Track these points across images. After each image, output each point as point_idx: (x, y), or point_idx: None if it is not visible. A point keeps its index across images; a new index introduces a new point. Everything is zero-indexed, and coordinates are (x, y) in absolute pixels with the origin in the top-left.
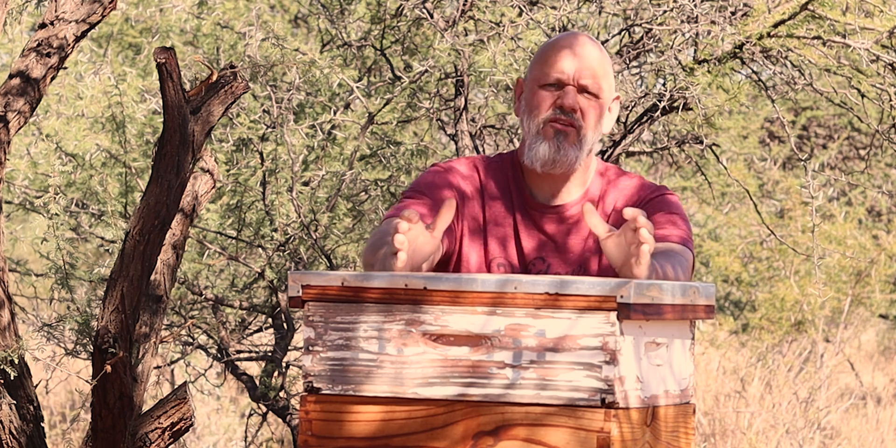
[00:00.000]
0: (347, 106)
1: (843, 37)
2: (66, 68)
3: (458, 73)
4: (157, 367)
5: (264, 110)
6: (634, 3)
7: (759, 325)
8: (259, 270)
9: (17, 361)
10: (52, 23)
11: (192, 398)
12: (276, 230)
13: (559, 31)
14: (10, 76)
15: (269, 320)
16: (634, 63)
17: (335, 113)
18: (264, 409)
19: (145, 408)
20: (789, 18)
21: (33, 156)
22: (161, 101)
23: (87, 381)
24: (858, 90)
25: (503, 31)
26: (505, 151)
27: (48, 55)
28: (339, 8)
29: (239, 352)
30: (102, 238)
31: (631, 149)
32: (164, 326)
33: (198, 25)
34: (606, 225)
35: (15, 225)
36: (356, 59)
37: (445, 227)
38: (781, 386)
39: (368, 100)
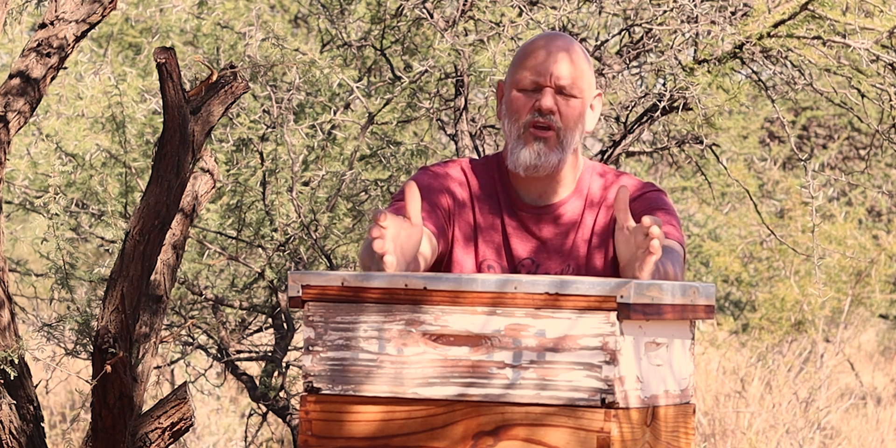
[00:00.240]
0: (347, 106)
1: (843, 37)
2: (66, 68)
3: (458, 73)
4: (157, 367)
5: (264, 110)
6: (634, 3)
7: (759, 325)
8: (259, 270)
9: (17, 361)
10: (52, 23)
11: (192, 398)
12: (276, 230)
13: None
14: (10, 76)
15: (269, 320)
16: (634, 63)
17: (335, 113)
18: (264, 409)
19: (145, 408)
20: (789, 18)
21: (33, 156)
22: (161, 101)
23: (87, 381)
24: (858, 90)
25: (503, 31)
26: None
27: (48, 55)
28: (339, 8)
29: (239, 352)
30: (102, 238)
31: (631, 149)
32: (164, 326)
33: (198, 25)
34: (629, 214)
35: (15, 225)
36: (356, 59)
37: (419, 210)
38: (781, 386)
39: (368, 100)
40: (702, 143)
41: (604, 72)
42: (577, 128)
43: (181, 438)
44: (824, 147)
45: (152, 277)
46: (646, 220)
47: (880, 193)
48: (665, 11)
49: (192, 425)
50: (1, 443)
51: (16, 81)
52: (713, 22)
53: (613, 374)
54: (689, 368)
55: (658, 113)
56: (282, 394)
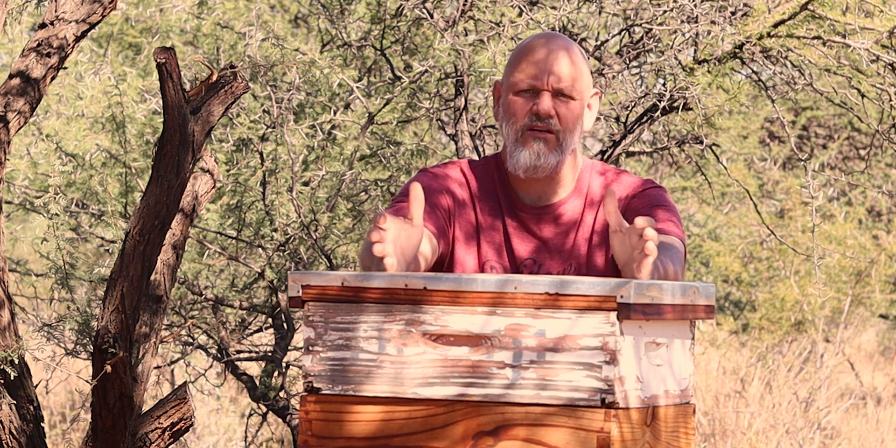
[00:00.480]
0: (347, 106)
1: (843, 37)
2: (66, 68)
3: (458, 73)
4: (157, 367)
5: (264, 110)
6: (634, 3)
7: (759, 325)
8: (259, 270)
9: (17, 361)
10: (52, 23)
11: (192, 398)
12: (276, 230)
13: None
14: (10, 76)
15: (269, 320)
16: (634, 63)
17: (335, 113)
18: (264, 409)
19: (145, 408)
20: (789, 18)
21: (33, 156)
22: (161, 101)
23: (87, 381)
24: (858, 90)
25: (503, 31)
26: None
27: (48, 55)
28: (339, 8)
29: (239, 352)
30: (102, 238)
31: (631, 149)
32: (164, 326)
33: (198, 25)
34: (620, 217)
35: (15, 225)
36: (356, 59)
37: (422, 211)
38: (781, 386)
39: (368, 100)
40: (702, 143)
41: (604, 72)
42: (575, 129)
43: (181, 438)
44: (824, 147)
45: (152, 277)
46: (639, 221)
47: (880, 193)
48: (665, 11)
49: (192, 425)
50: (1, 443)
51: (16, 81)
52: (713, 22)
53: (613, 374)
54: (689, 368)
55: (658, 113)
56: (282, 394)
